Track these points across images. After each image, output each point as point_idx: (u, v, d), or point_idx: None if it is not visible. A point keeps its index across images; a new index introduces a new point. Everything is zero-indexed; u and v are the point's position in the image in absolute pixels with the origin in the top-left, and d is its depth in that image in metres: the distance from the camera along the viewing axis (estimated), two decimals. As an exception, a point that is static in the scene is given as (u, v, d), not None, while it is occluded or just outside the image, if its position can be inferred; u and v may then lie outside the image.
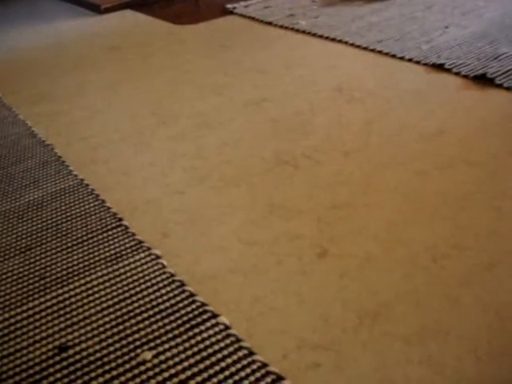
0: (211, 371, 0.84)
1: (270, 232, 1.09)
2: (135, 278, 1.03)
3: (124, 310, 0.96)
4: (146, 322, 0.93)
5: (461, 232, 1.06)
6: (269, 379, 0.81)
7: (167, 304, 0.96)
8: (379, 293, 0.92)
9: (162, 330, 0.91)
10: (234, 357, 0.85)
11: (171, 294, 0.98)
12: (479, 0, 2.33)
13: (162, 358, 0.87)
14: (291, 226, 1.10)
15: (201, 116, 1.55)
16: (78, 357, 0.89)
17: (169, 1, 2.65)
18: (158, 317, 0.94)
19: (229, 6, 2.44)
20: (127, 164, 1.36)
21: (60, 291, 1.02)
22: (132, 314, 0.95)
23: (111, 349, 0.89)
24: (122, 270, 1.05)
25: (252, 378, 0.82)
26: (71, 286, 1.02)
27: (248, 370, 0.83)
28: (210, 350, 0.87)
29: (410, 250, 1.02)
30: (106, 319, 0.95)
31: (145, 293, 0.99)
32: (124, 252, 1.10)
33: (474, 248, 1.02)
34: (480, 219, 1.09)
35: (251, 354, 0.85)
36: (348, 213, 1.13)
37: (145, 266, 1.05)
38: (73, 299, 1.00)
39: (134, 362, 0.87)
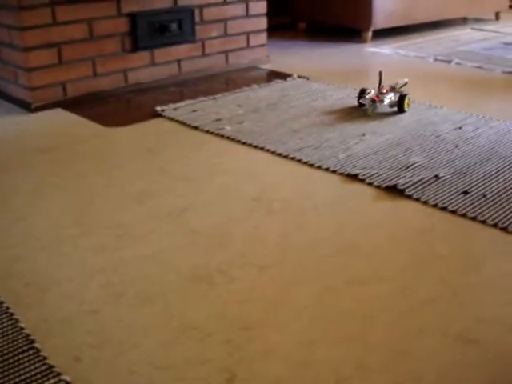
0: None
1: (181, 355, 1.11)
2: (42, 408, 1.01)
3: None
4: None
5: (367, 352, 1.10)
6: None
7: None
8: (283, 422, 0.94)
9: None
10: None
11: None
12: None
13: None
14: (202, 349, 1.12)
15: (123, 227, 1.57)
16: None
17: (100, 100, 2.71)
18: None
19: (158, 108, 2.51)
20: (45, 278, 1.36)
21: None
22: None
23: None
24: (29, 400, 1.03)
25: None
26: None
27: None
28: None
29: (315, 373, 1.05)
30: None
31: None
32: (34, 378, 1.09)
33: (379, 370, 1.06)
34: (386, 338, 1.14)
35: None
36: (258, 334, 1.16)
37: (52, 395, 1.04)
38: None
39: None
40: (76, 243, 1.51)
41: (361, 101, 2.46)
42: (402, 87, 2.47)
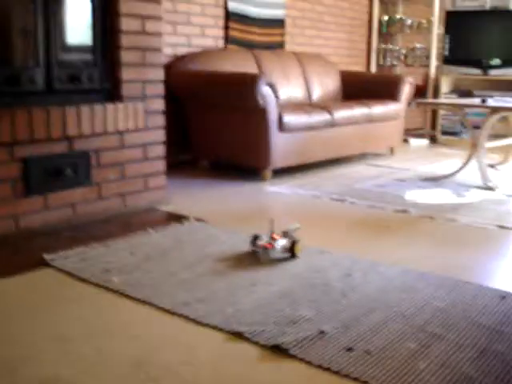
0: None
1: None
2: None
3: None
4: None
5: None
6: None
7: None
8: None
9: None
10: None
11: None
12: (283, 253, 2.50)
13: None
14: None
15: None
16: None
17: (-13, 248, 2.60)
18: None
19: (46, 256, 2.42)
20: None
21: None
22: None
23: None
24: None
25: None
26: None
27: None
28: None
29: None
30: None
31: None
32: None
33: None
34: None
35: None
36: None
37: None
38: None
39: None
40: None
41: (253, 248, 2.48)
42: (293, 232, 2.51)
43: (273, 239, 2.45)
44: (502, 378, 1.58)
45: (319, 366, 1.62)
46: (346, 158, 4.89)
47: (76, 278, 2.24)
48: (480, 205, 3.47)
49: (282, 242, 2.45)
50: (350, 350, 1.71)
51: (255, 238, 2.50)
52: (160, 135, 3.30)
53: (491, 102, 4.16)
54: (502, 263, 2.49)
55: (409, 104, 5.33)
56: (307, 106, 4.46)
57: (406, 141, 6.02)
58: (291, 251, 2.45)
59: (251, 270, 2.31)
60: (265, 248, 2.42)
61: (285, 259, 2.43)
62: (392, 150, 5.32)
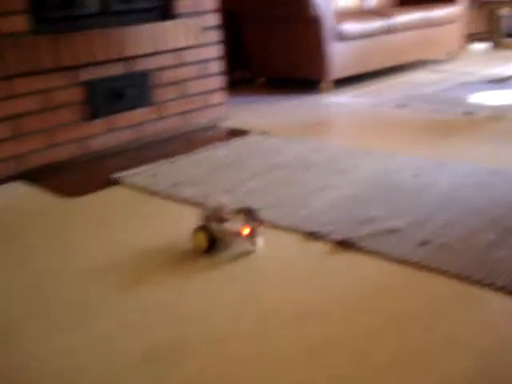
0: None
1: None
2: None
3: None
4: None
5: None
6: None
7: None
8: None
9: None
10: None
11: None
12: (354, 157, 2.48)
13: None
14: None
15: (75, 307, 1.52)
16: None
17: (58, 171, 2.67)
18: None
19: (116, 175, 2.48)
20: (-8, 371, 1.30)
21: None
22: None
23: None
24: None
25: None
26: None
27: None
28: None
29: None
30: None
31: None
32: None
33: None
34: (345, 411, 1.09)
35: None
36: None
37: None
38: None
39: None
40: (27, 327, 1.45)
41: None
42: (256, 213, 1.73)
43: (221, 220, 1.75)
44: None
45: (395, 259, 1.63)
46: (405, 65, 4.75)
47: (147, 193, 2.29)
48: (550, 102, 3.34)
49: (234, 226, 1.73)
50: (425, 243, 1.70)
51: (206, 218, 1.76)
52: (217, 51, 3.26)
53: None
54: None
55: (469, 6, 5.09)
56: (363, 12, 4.32)
57: (467, 45, 5.78)
58: (250, 237, 1.73)
59: (320, 175, 2.31)
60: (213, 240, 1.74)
61: (352, 164, 2.41)
62: (453, 56, 5.13)
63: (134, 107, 2.95)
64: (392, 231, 1.78)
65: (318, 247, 1.74)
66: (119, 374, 1.24)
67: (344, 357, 1.24)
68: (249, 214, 1.71)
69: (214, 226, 1.73)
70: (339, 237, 1.76)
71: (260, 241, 1.77)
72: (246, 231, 1.71)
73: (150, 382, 1.21)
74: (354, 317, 1.38)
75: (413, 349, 1.26)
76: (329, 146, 2.69)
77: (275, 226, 1.88)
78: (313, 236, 1.80)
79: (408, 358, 1.23)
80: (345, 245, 1.72)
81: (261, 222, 1.75)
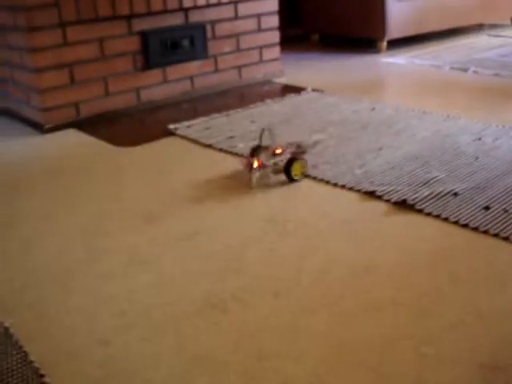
0: None
1: (193, 389, 1.06)
2: None
3: None
4: None
5: (384, 383, 1.05)
6: None
7: None
8: None
9: None
10: None
11: None
12: (412, 119, 2.43)
13: None
14: (215, 381, 1.07)
15: (133, 252, 1.54)
16: None
17: (113, 120, 2.69)
18: None
19: (171, 126, 2.48)
20: (54, 309, 1.33)
21: None
22: None
23: None
24: None
25: None
26: None
27: None
28: None
29: (334, 408, 1.00)
30: None
31: None
32: (41, 415, 1.05)
33: (399, 402, 1.01)
34: (404, 367, 1.08)
35: None
36: (275, 364, 1.11)
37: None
38: None
39: None
40: (85, 270, 1.47)
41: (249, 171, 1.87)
42: (311, 147, 2.01)
43: (274, 155, 1.87)
44: None
45: (455, 223, 1.60)
46: (464, 28, 4.60)
47: (202, 145, 2.28)
48: None
49: (276, 160, 1.87)
50: (486, 208, 1.66)
51: (254, 150, 1.91)
52: (273, 5, 3.21)
53: None
54: None
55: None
56: (424, -28, 4.17)
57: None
58: (287, 172, 1.85)
59: (377, 134, 2.27)
60: (251, 168, 1.84)
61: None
62: (514, 20, 4.94)
63: (189, 59, 2.93)
64: (453, 194, 1.74)
65: (377, 207, 1.71)
66: (180, 317, 1.26)
67: (401, 317, 1.23)
68: (297, 147, 1.90)
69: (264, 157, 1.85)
70: (398, 197, 1.73)
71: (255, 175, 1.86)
72: (255, 164, 1.82)
73: (210, 327, 1.22)
74: (412, 277, 1.37)
75: (473, 313, 1.23)
76: (386, 106, 2.63)
77: (332, 184, 1.86)
78: (371, 195, 1.77)
79: (468, 321, 1.21)
80: (404, 206, 1.70)
81: (303, 152, 1.91)
